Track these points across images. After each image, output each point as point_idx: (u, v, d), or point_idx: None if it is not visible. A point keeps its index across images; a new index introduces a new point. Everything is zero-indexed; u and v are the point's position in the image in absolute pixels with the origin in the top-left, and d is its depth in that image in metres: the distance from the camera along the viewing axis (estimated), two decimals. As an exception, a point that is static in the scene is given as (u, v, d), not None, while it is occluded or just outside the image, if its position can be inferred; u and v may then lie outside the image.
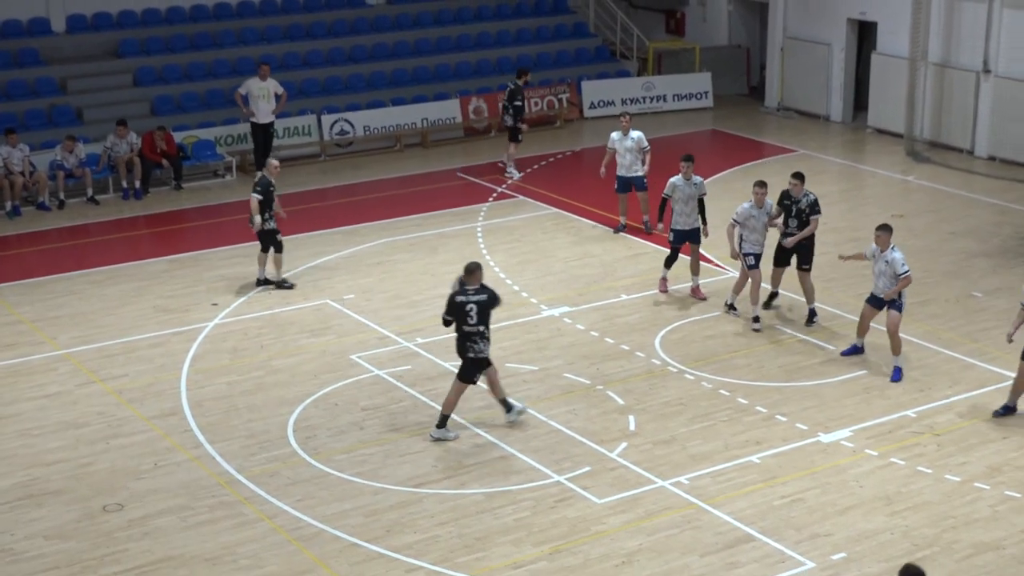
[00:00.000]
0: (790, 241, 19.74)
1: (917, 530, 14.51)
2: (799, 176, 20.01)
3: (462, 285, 16.48)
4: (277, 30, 32.40)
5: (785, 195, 19.96)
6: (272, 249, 21.59)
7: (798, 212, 19.84)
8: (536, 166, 29.07)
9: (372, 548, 14.21)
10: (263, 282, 21.72)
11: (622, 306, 20.93)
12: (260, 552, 14.14)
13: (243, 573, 13.79)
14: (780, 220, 19.94)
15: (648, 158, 23.91)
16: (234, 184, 28.04)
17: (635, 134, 23.81)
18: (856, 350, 18.85)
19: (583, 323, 20.27)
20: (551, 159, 29.72)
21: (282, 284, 21.71)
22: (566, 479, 15.65)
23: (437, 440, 16.56)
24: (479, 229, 24.77)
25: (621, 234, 24.17)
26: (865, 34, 32.29)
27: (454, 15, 34.48)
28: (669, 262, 21.29)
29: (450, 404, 16.70)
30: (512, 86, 28.45)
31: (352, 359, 19.05)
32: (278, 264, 21.71)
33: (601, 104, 33.38)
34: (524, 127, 28.68)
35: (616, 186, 24.13)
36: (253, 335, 19.98)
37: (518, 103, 28.31)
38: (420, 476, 15.75)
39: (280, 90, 28.24)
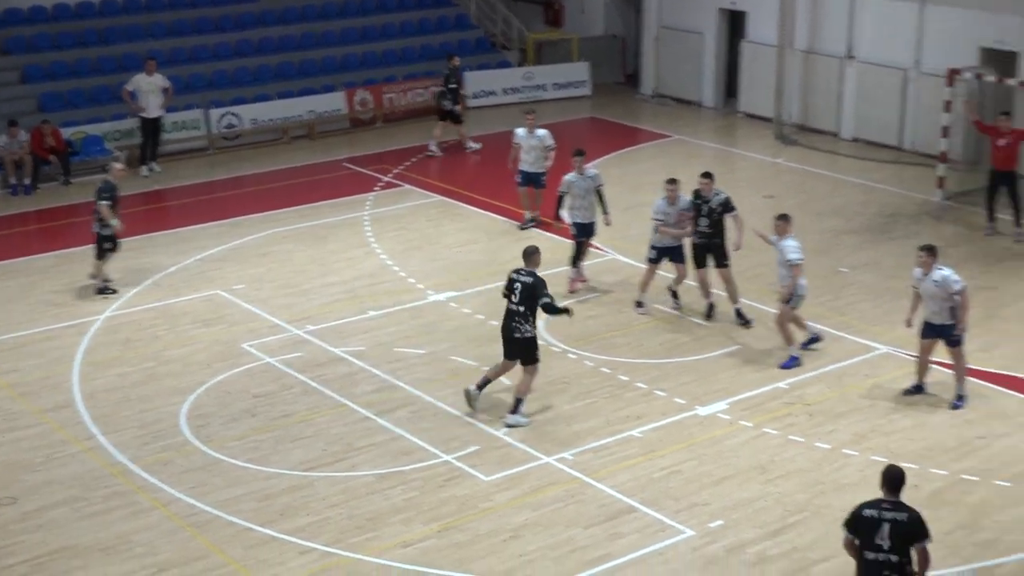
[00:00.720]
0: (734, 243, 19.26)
1: (790, 496, 14.74)
2: (708, 175, 19.52)
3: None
4: (163, 26, 31.92)
5: (696, 194, 19.49)
6: (100, 254, 20.80)
7: (709, 211, 19.38)
8: (420, 155, 28.99)
9: (265, 532, 14.12)
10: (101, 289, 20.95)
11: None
12: (154, 540, 13.97)
13: (138, 561, 13.62)
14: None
15: (552, 155, 23.68)
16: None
17: (540, 132, 23.57)
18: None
19: (469, 307, 20.29)
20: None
21: (105, 289, 20.94)
22: (454, 458, 15.66)
23: (511, 427, 16.36)
24: (366, 218, 24.66)
25: (528, 228, 23.70)
26: (735, 23, 32.63)
27: (339, 9, 34.24)
28: (575, 260, 20.88)
29: (522, 389, 16.52)
30: (447, 71, 29.01)
31: (243, 348, 18.88)
32: (98, 269, 21.00)
33: (483, 94, 33.37)
34: (460, 108, 29.14)
35: (519, 180, 23.79)
36: (146, 326, 19.71)
37: (453, 85, 28.83)
38: (311, 460, 15.67)
39: (167, 84, 27.88)
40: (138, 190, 26.56)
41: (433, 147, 28.98)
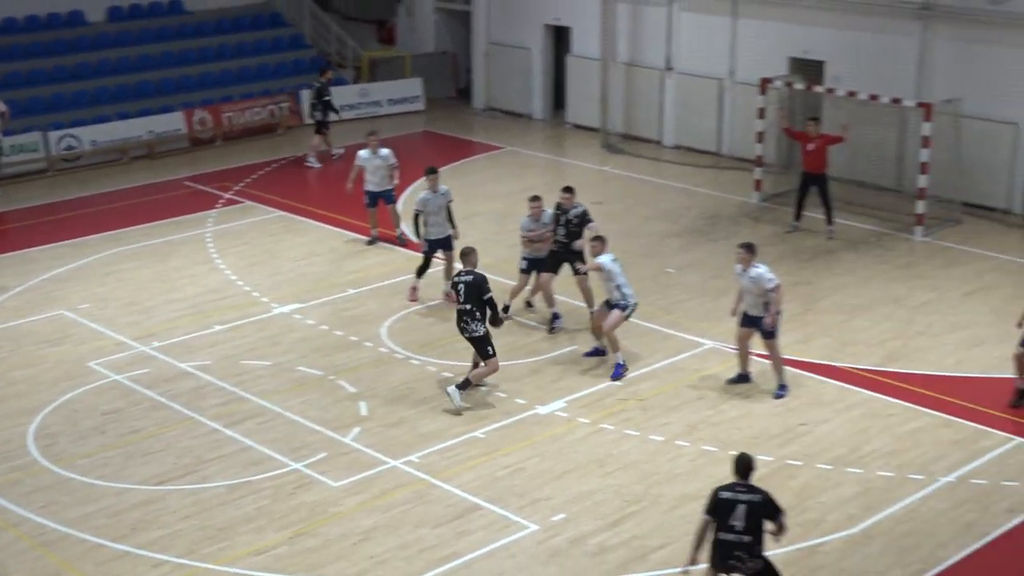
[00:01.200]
0: (584, 268, 18.87)
1: (627, 487, 14.91)
2: (569, 189, 19.44)
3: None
4: (-2, 50, 31.09)
5: (557, 206, 19.41)
6: None
7: (567, 222, 19.31)
8: (261, 172, 28.65)
9: (117, 547, 13.79)
10: None
11: (349, 300, 20.84)
12: (4, 561, 13.54)
13: (-11, 582, 13.22)
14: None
15: (397, 173, 23.45)
16: (-37, 203, 26.80)
17: (384, 152, 23.26)
18: (597, 352, 18.58)
19: (313, 318, 20.11)
20: (275, 165, 29.34)
21: None
22: (303, 466, 15.51)
23: (449, 395, 16.84)
24: (208, 235, 24.27)
25: (373, 245, 23.42)
26: (561, 38, 32.92)
27: (175, 31, 33.65)
28: (421, 271, 20.59)
29: (477, 375, 17.02)
30: (318, 84, 29.38)
31: (90, 366, 18.43)
32: None
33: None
34: (334, 117, 29.79)
35: (366, 201, 23.37)
36: (-11, 349, 19.16)
37: (327, 98, 29.14)
38: (162, 474, 15.36)
39: (3, 108, 27.15)
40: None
41: (311, 159, 29.30)
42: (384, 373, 18.11)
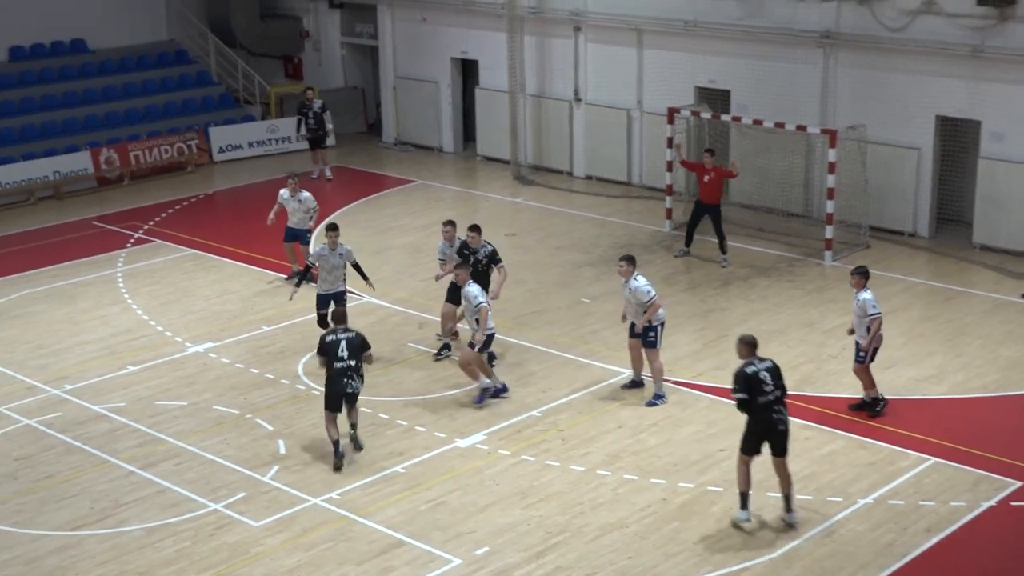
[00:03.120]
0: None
1: (550, 518, 14.90)
2: (476, 228, 19.22)
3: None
4: None
5: (464, 246, 19.22)
6: None
7: (476, 262, 19.01)
8: (171, 210, 28.35)
9: (34, 595, 13.52)
10: None
11: (264, 337, 20.66)
12: (-82, 612, 13.23)
13: (-99, 636, 12.85)
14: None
15: (316, 215, 23.18)
16: None
17: (304, 195, 22.85)
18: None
19: (228, 356, 19.89)
20: (185, 203, 29.05)
21: None
22: (223, 506, 15.31)
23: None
24: (119, 275, 23.94)
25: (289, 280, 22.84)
26: (468, 71, 33.01)
27: (78, 70, 33.24)
28: (323, 324, 19.46)
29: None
30: (301, 102, 30.75)
31: (0, 411, 18.06)
32: None
33: (229, 148, 32.88)
34: (322, 134, 30.72)
35: (284, 236, 23.11)
36: None
37: (311, 118, 30.37)
38: (79, 519, 15.08)
39: (-95, 151, 26.62)
40: None
41: (328, 173, 30.61)
42: (302, 410, 17.95)
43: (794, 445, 16.52)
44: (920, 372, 18.90)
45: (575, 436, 17.00)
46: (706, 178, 23.66)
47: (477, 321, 17.68)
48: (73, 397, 18.50)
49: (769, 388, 14.26)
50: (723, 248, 23.88)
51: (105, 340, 20.67)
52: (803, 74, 26.20)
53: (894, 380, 18.58)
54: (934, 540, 14.37)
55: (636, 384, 18.28)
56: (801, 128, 24.55)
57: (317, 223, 23.80)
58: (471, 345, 17.82)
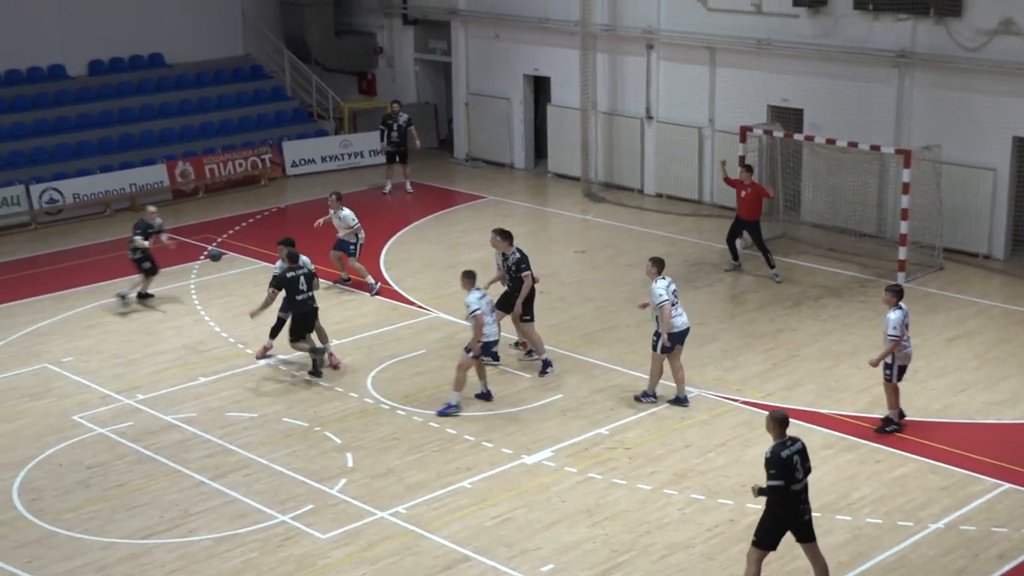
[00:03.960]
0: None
1: (616, 537, 14.82)
2: (502, 233, 19.86)
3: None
4: (-20, 104, 31.09)
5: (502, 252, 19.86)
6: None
7: (507, 268, 19.69)
8: (244, 223, 28.62)
9: (104, 602, 13.66)
10: None
11: (334, 351, 20.74)
12: (-9, 617, 13.41)
13: (-26, 639, 13.03)
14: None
15: (360, 232, 23.31)
16: (-56, 256, 26.68)
17: (344, 212, 23.09)
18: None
19: (298, 369, 20.01)
20: (258, 216, 29.32)
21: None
22: (290, 518, 15.39)
23: None
24: (192, 286, 24.19)
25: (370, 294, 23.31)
26: (540, 88, 33.04)
27: (155, 84, 33.67)
28: (274, 332, 20.27)
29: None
30: (387, 115, 31.20)
31: (74, 419, 18.30)
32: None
33: (302, 162, 33.16)
34: (404, 149, 30.86)
35: (334, 245, 23.45)
36: (-28, 403, 19.00)
37: (395, 132, 30.63)
38: (149, 527, 15.22)
39: (-14, 162, 27.12)
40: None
41: (408, 186, 31.03)
42: (370, 424, 18.02)
43: (865, 468, 16.39)
44: (994, 396, 18.61)
45: (642, 455, 16.92)
46: (743, 194, 23.69)
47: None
48: (145, 407, 18.69)
49: (800, 475, 12.80)
50: (770, 263, 23.82)
51: (178, 351, 20.87)
52: (877, 93, 25.96)
53: (967, 403, 18.33)
54: (1007, 567, 14.13)
55: (647, 396, 18.35)
56: (875, 148, 24.31)
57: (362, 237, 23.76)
58: (467, 349, 18.10)
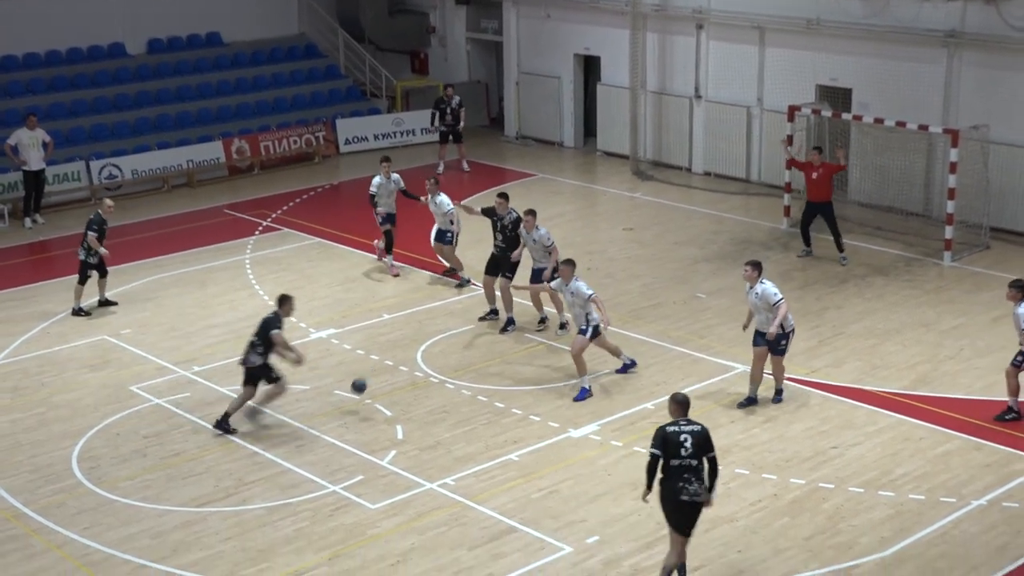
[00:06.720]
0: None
1: (660, 510, 14.80)
2: (503, 195, 20.57)
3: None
4: (41, 82, 31.33)
5: (491, 212, 20.50)
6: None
7: (502, 228, 20.32)
8: (298, 199, 28.78)
9: (159, 567, 13.83)
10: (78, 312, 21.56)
11: (384, 325, 20.87)
12: (50, 581, 13.62)
13: (35, 602, 13.26)
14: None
15: (458, 222, 22.63)
16: (7, 230, 26.95)
17: (440, 198, 22.35)
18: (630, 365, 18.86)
19: (349, 343, 20.14)
20: (312, 192, 29.48)
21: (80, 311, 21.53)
22: (341, 488, 15.51)
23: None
24: (247, 261, 24.38)
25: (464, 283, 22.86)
26: (590, 67, 32.95)
27: (212, 62, 33.88)
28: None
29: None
30: (440, 98, 31.28)
31: (132, 390, 18.52)
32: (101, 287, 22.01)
33: (355, 140, 33.26)
34: (459, 128, 31.05)
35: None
36: (33, 373, 19.24)
37: (448, 114, 30.82)
38: (203, 496, 15.40)
39: (48, 138, 27.32)
40: (24, 241, 26.09)
41: (465, 165, 31.20)
42: (420, 397, 18.12)
43: (908, 445, 16.31)
44: (1039, 375, 18.45)
45: (687, 430, 16.88)
46: (814, 175, 23.25)
47: (588, 315, 17.76)
48: (201, 379, 18.88)
49: (685, 454, 12.66)
50: (839, 246, 23.50)
51: (232, 324, 21.05)
52: (926, 73, 25.69)
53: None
54: (1049, 544, 14.06)
55: (751, 401, 17.62)
56: (923, 128, 24.09)
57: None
58: (582, 331, 17.91)
